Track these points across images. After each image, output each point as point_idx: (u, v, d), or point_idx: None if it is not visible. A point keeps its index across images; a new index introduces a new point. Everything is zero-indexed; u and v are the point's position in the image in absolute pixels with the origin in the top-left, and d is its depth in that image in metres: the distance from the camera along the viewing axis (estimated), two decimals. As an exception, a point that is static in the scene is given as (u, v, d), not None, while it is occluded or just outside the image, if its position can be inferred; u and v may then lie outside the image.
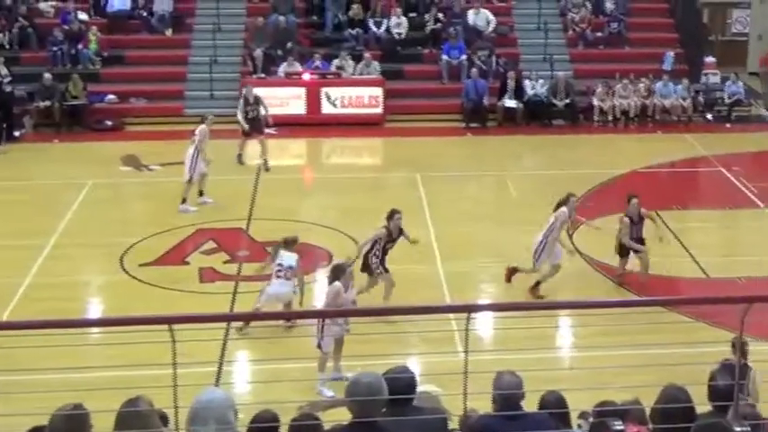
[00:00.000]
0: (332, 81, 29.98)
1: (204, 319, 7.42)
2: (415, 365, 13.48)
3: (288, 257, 16.35)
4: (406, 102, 30.53)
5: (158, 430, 6.63)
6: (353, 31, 32.11)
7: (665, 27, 33.78)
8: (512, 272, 18.20)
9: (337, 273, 15.01)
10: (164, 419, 7.00)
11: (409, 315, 15.65)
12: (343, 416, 6.65)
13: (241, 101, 25.85)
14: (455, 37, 31.37)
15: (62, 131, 28.69)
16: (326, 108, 29.80)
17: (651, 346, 14.62)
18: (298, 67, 30.15)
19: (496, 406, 7.39)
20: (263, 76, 30.11)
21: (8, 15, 31.55)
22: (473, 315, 7.41)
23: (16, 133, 28.19)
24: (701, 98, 30.93)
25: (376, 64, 30.60)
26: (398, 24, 32.12)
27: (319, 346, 14.56)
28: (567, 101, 30.03)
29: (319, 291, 17.16)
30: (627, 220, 18.00)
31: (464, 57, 31.02)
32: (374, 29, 32.16)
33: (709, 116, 30.83)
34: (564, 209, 17.84)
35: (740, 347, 9.35)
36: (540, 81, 30.35)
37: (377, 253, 17.05)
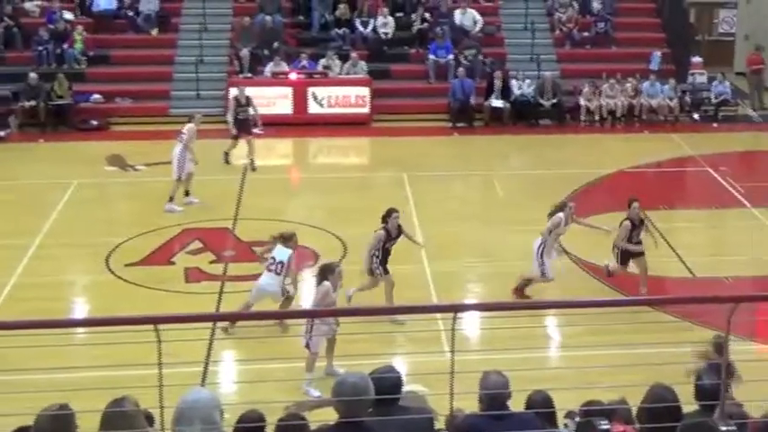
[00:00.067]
0: (319, 81, 29.97)
1: (190, 319, 7.38)
2: (401, 365, 13.45)
3: (281, 252, 16.29)
4: (393, 101, 30.53)
5: (144, 430, 6.61)
6: (340, 31, 32.08)
7: (651, 27, 33.85)
8: (522, 288, 17.87)
9: (326, 273, 14.97)
10: (149, 419, 6.98)
11: (396, 315, 15.72)
12: (330, 416, 6.63)
13: (232, 102, 25.82)
14: (442, 37, 31.38)
15: (47, 131, 28.61)
16: (313, 108, 29.78)
17: (638, 345, 14.65)
18: (284, 67, 30.12)
19: (483, 406, 7.38)
20: (249, 75, 30.06)
21: (-7, 15, 31.50)
22: (459, 315, 7.40)
23: (1, 133, 28.11)
24: (687, 98, 31.01)
25: (363, 64, 30.59)
26: (385, 24, 32.11)
27: (307, 346, 14.53)
28: (554, 101, 30.05)
29: (306, 290, 17.10)
30: (628, 223, 17.74)
31: (451, 56, 31.04)
32: (361, 28, 32.15)
33: (695, 116, 30.90)
34: (560, 215, 17.76)
35: (725, 346, 9.34)
36: (527, 81, 30.38)
37: (377, 253, 16.95)
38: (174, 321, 6.89)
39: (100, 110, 29.64)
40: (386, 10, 32.28)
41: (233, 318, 16.16)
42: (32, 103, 28.74)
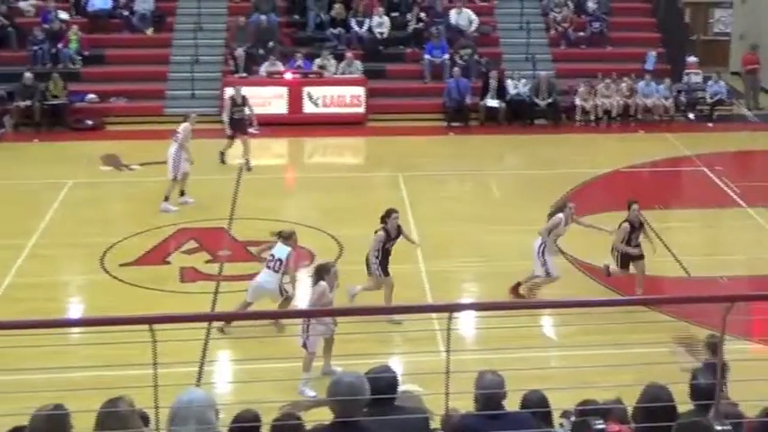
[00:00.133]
0: (314, 80, 29.95)
1: (185, 319, 7.37)
2: (396, 365, 13.48)
3: (280, 250, 16.28)
4: (389, 101, 30.50)
5: (139, 430, 6.60)
6: (335, 31, 32.08)
7: (647, 26, 33.87)
8: (518, 287, 17.76)
9: (321, 273, 14.93)
10: (144, 419, 6.97)
11: (391, 315, 15.71)
12: (325, 416, 6.62)
13: (228, 102, 25.84)
14: (437, 36, 31.38)
15: (42, 131, 28.58)
16: (308, 107, 29.76)
17: (633, 345, 14.66)
18: (279, 67, 30.11)
19: (478, 405, 7.38)
20: (244, 75, 30.05)
21: (-12, 14, 31.46)
22: (455, 314, 7.39)
23: (-4, 133, 28.14)
24: (683, 98, 31.02)
25: (358, 63, 30.58)
26: (380, 24, 32.10)
27: (305, 346, 14.52)
28: (550, 100, 30.05)
29: (302, 290, 17.08)
30: (627, 225, 17.63)
31: (446, 56, 31.04)
32: (356, 28, 32.14)
33: (691, 116, 30.92)
34: (560, 215, 17.73)
35: (720, 345, 9.34)
36: (523, 80, 30.38)
37: (376, 254, 16.94)
38: (170, 321, 6.89)
39: (95, 109, 29.60)
40: (381, 9, 32.28)
41: (228, 318, 16.12)
42: (27, 102, 28.70)
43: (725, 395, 8.99)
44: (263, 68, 30.11)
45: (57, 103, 28.87)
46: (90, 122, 29.01)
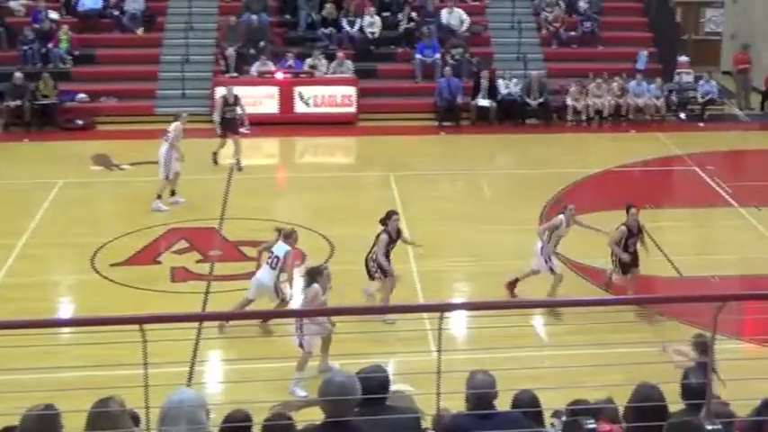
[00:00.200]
0: (305, 80, 29.93)
1: (175, 319, 7.35)
2: (388, 365, 13.46)
3: (279, 248, 16.30)
4: (380, 101, 30.48)
5: (129, 430, 6.58)
6: (327, 30, 32.05)
7: (638, 26, 33.90)
8: (515, 284, 17.72)
9: (314, 275, 14.92)
10: (135, 419, 6.96)
11: (385, 315, 15.71)
12: (316, 416, 6.61)
13: (220, 101, 25.82)
14: (428, 36, 31.36)
15: (32, 131, 28.52)
16: (300, 107, 29.74)
17: (624, 344, 14.66)
18: (270, 66, 30.08)
19: (469, 405, 7.38)
20: (235, 75, 30.02)
21: (-22, 14, 31.40)
22: (446, 314, 7.38)
23: (-14, 132, 28.08)
24: (674, 97, 31.05)
25: (349, 63, 30.57)
26: (372, 23, 32.08)
27: (301, 345, 14.51)
28: (541, 100, 30.05)
29: (297, 290, 17.03)
30: (624, 229, 17.43)
31: (437, 56, 31.03)
32: (347, 28, 32.12)
33: (682, 115, 30.95)
34: (561, 216, 17.71)
35: (709, 345, 9.34)
36: (514, 80, 30.39)
37: (374, 256, 16.94)
38: (160, 321, 6.87)
39: (85, 109, 29.54)
40: (372, 9, 32.26)
41: (219, 317, 16.05)
42: (17, 102, 28.63)
43: (716, 394, 8.99)
44: (254, 68, 30.08)
45: (47, 102, 28.81)
46: (80, 122, 28.95)
